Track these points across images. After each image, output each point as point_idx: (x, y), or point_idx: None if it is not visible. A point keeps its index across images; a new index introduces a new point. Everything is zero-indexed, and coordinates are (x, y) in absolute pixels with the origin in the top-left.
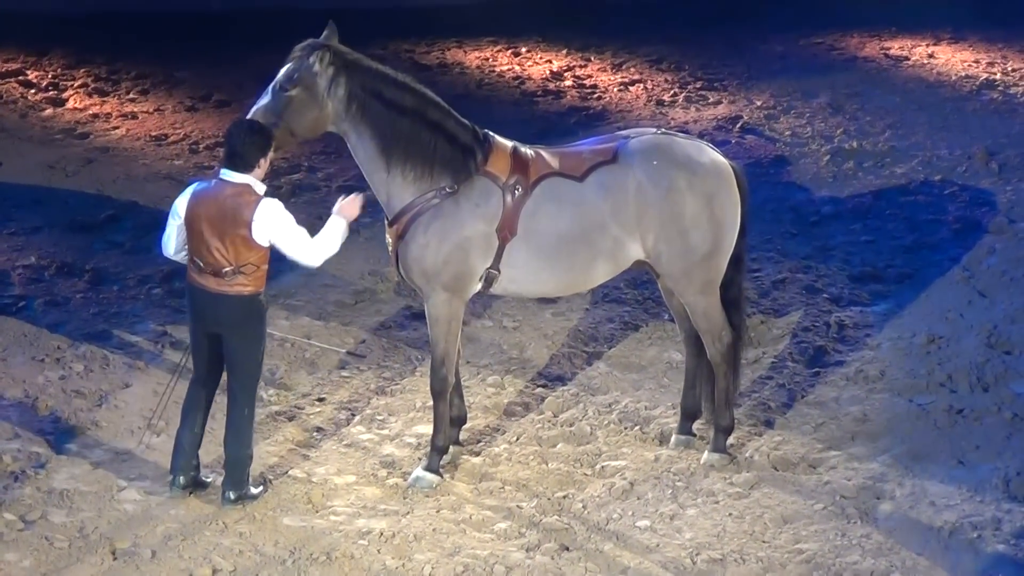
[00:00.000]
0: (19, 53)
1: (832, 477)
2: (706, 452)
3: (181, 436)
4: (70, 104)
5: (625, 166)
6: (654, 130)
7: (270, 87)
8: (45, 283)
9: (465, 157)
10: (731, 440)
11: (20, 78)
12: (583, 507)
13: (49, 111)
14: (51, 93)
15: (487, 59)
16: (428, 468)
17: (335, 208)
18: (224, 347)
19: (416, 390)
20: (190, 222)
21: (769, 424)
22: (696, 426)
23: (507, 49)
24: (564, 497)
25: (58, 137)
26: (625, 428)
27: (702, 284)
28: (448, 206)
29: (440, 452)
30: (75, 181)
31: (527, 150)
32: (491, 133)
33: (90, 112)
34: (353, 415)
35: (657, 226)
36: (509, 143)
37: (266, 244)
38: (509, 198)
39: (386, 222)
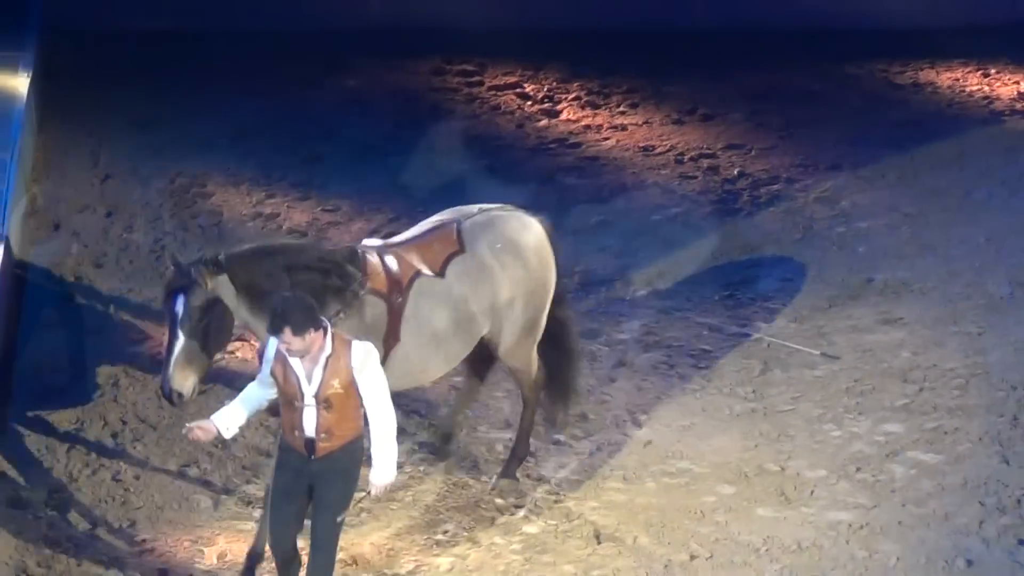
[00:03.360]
0: (517, 67)
1: None
2: (495, 477)
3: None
4: (563, 116)
5: (472, 254)
6: (475, 209)
7: (177, 329)
8: None
9: (345, 283)
10: None
11: (518, 90)
12: None
13: (544, 122)
14: (546, 105)
15: (957, 79)
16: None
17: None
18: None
19: (884, 391)
20: None
21: None
22: None
23: (977, 71)
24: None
25: (552, 146)
26: None
27: (530, 345)
28: (341, 328)
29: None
30: (571, 190)
31: (389, 256)
32: (361, 247)
33: (582, 123)
34: (825, 412)
35: (504, 304)
36: (373, 256)
37: None
38: (391, 308)
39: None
